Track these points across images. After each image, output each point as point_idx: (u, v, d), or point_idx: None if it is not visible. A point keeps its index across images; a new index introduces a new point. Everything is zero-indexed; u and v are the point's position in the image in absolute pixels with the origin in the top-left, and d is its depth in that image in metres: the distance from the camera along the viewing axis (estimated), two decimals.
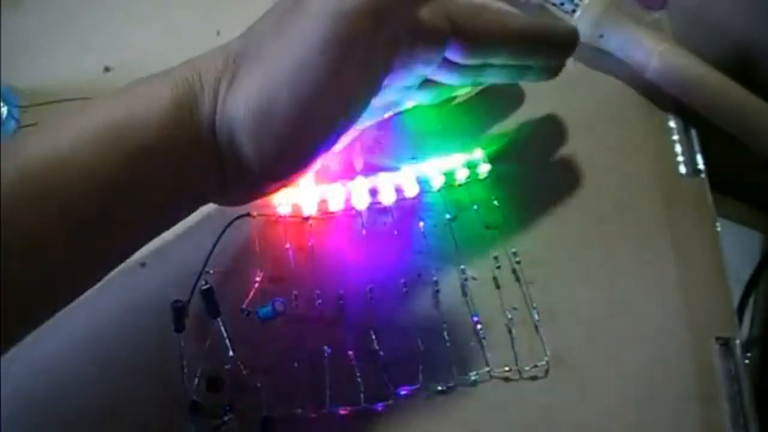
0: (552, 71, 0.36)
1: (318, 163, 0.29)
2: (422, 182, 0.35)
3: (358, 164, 0.35)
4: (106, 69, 0.39)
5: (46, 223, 0.24)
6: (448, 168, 0.35)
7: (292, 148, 0.27)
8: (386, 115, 0.36)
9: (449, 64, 0.33)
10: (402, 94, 0.35)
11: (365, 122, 0.35)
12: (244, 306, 0.31)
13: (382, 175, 0.35)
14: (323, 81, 0.26)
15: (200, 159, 0.27)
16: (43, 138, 0.25)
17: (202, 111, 0.26)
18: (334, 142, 0.28)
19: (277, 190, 0.30)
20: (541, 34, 0.34)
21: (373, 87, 0.28)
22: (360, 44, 0.26)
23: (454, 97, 0.38)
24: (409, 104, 0.37)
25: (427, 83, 0.35)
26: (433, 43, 0.31)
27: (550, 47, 0.34)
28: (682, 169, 0.38)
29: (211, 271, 0.32)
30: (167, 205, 0.27)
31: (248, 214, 0.33)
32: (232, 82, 0.26)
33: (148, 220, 0.27)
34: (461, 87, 0.37)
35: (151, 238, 0.28)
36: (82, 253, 0.26)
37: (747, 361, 0.33)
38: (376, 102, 0.33)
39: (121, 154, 0.25)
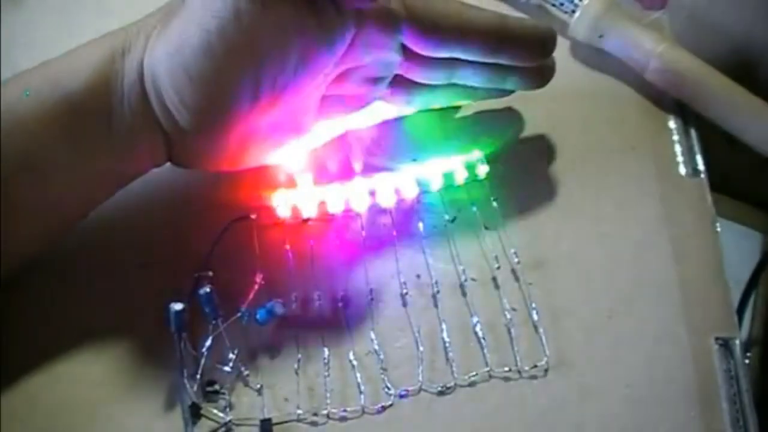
0: (534, 75, 0.35)
1: (280, 150, 0.32)
2: (421, 183, 0.35)
3: (357, 165, 0.35)
4: None
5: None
6: (447, 169, 0.35)
7: (206, 87, 0.28)
8: (369, 113, 0.36)
9: (416, 58, 0.32)
10: (375, 88, 0.34)
11: (351, 123, 0.35)
12: (243, 308, 0.31)
13: (382, 176, 0.35)
14: (224, 16, 0.27)
15: (131, 105, 0.29)
16: (9, 89, 0.28)
17: (133, 56, 0.29)
18: (256, 93, 0.29)
19: (230, 160, 0.31)
20: (508, 29, 0.32)
21: (283, 38, 0.28)
22: None
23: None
24: (401, 109, 0.37)
25: (410, 85, 0.34)
26: (384, 25, 0.30)
27: (522, 45, 0.33)
28: (682, 170, 0.38)
29: (211, 273, 0.32)
30: (107, 151, 0.29)
31: (248, 216, 0.33)
32: (161, 33, 0.28)
33: (90, 165, 0.29)
34: (446, 98, 0.36)
35: (102, 192, 0.31)
36: (31, 197, 0.29)
37: (747, 361, 0.33)
38: (347, 90, 0.33)
39: (57, 98, 0.28)
